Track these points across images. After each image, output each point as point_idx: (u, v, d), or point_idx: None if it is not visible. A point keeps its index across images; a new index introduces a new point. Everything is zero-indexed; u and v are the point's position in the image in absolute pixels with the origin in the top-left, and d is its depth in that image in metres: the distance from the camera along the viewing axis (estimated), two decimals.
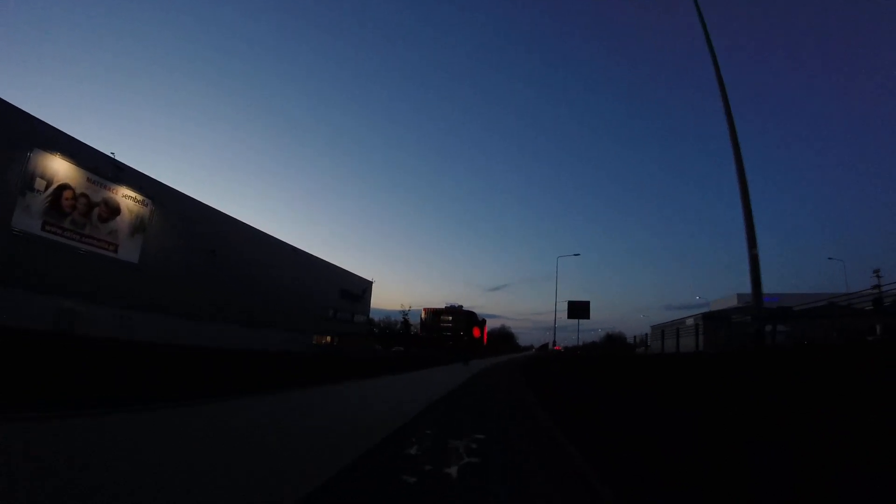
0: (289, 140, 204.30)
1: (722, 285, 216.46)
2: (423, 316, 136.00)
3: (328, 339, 53.33)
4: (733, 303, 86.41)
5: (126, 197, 31.00)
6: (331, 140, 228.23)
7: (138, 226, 31.59)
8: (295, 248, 48.14)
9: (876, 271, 39.66)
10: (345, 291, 56.90)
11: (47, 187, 26.20)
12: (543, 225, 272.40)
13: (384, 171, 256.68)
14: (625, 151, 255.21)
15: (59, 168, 26.86)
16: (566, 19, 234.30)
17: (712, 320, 72.96)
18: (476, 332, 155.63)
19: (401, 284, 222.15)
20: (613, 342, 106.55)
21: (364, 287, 61.28)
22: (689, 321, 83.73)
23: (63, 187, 27.22)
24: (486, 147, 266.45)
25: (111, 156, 30.61)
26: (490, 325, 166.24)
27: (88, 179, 29.03)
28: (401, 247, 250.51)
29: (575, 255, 37.89)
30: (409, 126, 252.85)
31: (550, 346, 76.97)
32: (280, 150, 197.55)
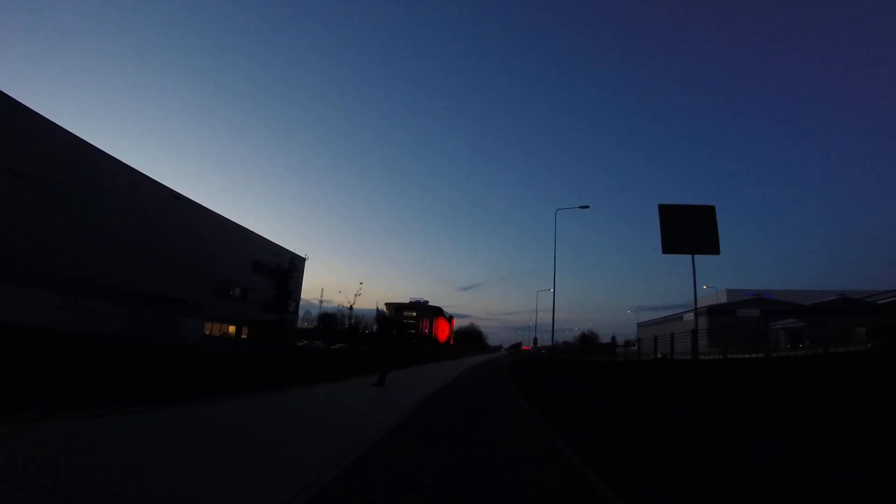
0: (251, 124, 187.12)
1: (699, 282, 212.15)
2: (384, 311, 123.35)
3: (230, 328, 39.61)
4: (723, 299, 77.32)
5: None
6: (296, 125, 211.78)
7: None
8: (178, 194, 34.29)
9: None
10: (261, 265, 42.96)
11: None
12: (517, 223, 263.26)
13: (354, 161, 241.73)
14: (605, 145, 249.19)
15: None
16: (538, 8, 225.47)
17: (717, 315, 63.11)
18: (444, 325, 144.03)
19: (369, 281, 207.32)
20: (587, 342, 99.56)
21: (293, 264, 47.40)
22: (688, 316, 73.88)
23: None
24: (464, 139, 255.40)
25: None
26: (459, 323, 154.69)
27: None
28: (372, 242, 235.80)
29: (583, 206, 24.14)
30: (383, 114, 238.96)
31: (531, 343, 65.68)
32: (242, 135, 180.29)
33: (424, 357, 38.45)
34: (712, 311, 64.48)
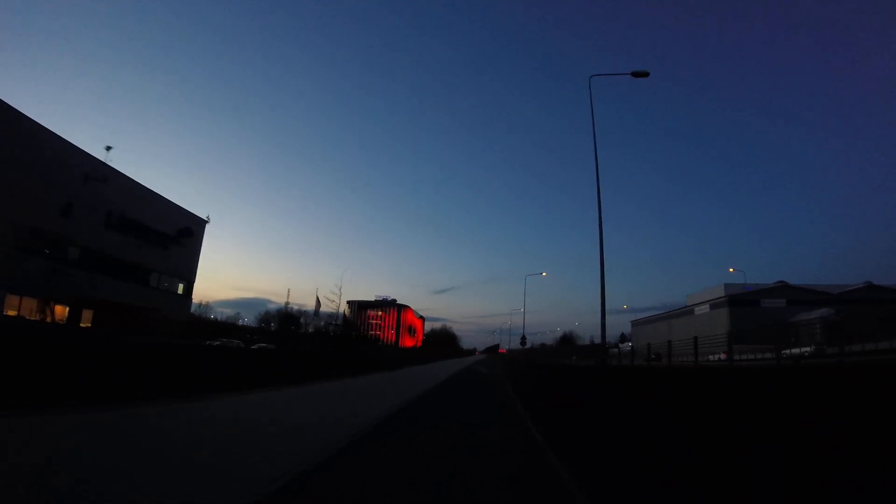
0: (219, 121, 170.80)
1: (678, 287, 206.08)
2: (346, 311, 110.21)
3: (63, 308, 26.10)
4: (720, 293, 67.45)
5: None
6: (260, 122, 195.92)
7: None
8: None
9: None
10: (122, 220, 29.38)
11: None
12: (495, 227, 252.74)
13: (322, 161, 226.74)
14: (589, 146, 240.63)
15: None
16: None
17: (739, 306, 52.37)
18: (414, 321, 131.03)
19: (340, 282, 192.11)
20: (568, 344, 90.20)
21: (183, 226, 33.95)
22: (701, 309, 62.91)
23: None
24: (445, 141, 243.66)
25: None
26: (432, 326, 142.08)
27: None
28: (343, 243, 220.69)
29: (637, 73, 11.10)
30: (356, 112, 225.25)
31: (520, 344, 55.05)
32: (208, 132, 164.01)
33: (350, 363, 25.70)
34: (733, 301, 53.60)
